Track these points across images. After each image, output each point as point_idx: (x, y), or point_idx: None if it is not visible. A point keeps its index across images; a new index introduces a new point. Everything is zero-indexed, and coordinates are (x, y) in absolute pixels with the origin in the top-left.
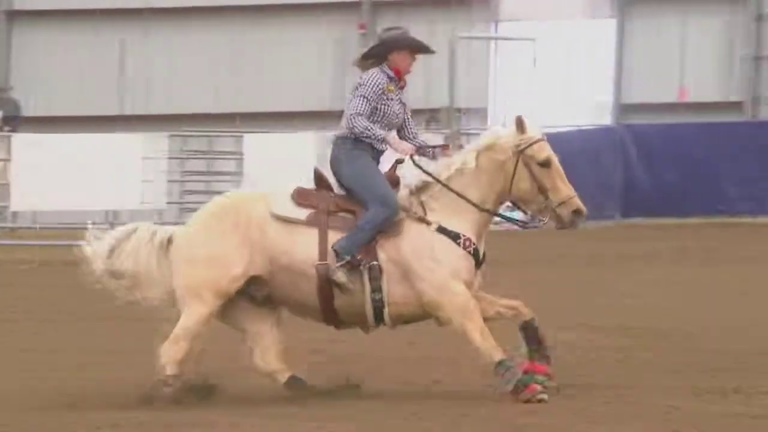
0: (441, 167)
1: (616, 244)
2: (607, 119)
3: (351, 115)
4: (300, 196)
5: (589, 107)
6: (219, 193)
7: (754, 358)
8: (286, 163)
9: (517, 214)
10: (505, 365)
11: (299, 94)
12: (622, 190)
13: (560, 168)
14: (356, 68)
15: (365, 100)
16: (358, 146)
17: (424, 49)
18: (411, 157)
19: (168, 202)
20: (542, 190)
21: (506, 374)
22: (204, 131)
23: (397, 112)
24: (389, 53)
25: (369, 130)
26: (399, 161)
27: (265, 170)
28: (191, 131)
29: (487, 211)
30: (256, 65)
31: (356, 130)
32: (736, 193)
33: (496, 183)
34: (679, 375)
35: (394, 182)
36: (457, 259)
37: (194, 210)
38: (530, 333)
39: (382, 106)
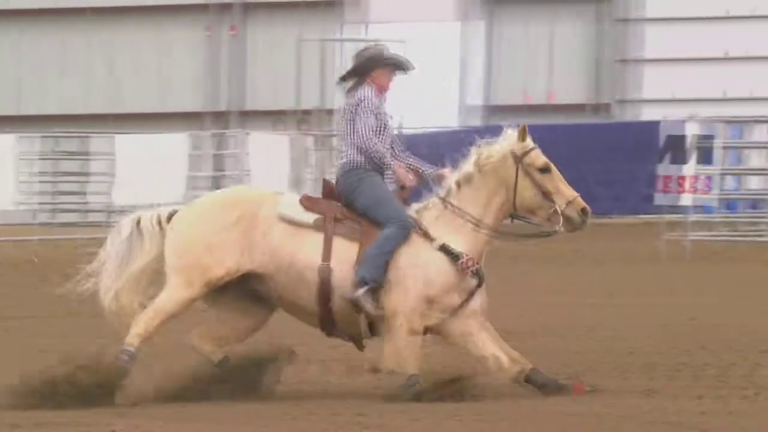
0: (442, 186)
1: None
2: (477, 121)
3: (367, 136)
4: (308, 201)
5: (459, 109)
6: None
7: (620, 357)
8: (158, 163)
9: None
10: (415, 380)
11: (172, 95)
12: None
13: (558, 172)
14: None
15: (374, 116)
16: (368, 171)
17: (405, 66)
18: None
19: (41, 203)
20: (547, 195)
21: (410, 388)
22: (76, 132)
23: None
24: (372, 71)
25: (384, 158)
26: (402, 188)
27: (138, 171)
28: (63, 132)
29: (487, 227)
30: (129, 66)
31: (373, 154)
32: (602, 194)
33: (498, 197)
34: None
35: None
36: (449, 280)
37: (68, 211)
38: (535, 383)
39: (382, 122)
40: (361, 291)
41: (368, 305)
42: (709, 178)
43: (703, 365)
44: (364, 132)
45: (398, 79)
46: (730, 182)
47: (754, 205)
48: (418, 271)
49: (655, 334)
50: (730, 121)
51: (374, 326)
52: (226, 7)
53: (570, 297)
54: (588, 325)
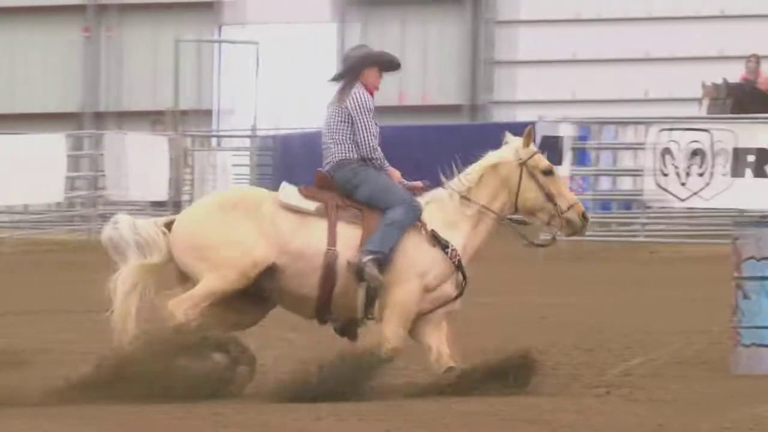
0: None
1: None
2: None
3: (370, 141)
4: (307, 191)
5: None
6: None
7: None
8: (36, 164)
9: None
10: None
11: (50, 95)
12: None
13: (560, 176)
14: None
15: (372, 120)
16: (363, 165)
17: (393, 64)
18: None
19: None
20: (550, 197)
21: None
22: None
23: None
24: (362, 71)
25: (384, 162)
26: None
27: (15, 171)
28: None
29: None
30: (6, 67)
31: (375, 159)
32: None
33: (499, 197)
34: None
35: None
36: (434, 264)
37: None
38: None
39: (377, 125)
40: (367, 258)
41: (373, 271)
42: (584, 178)
43: (555, 363)
44: (366, 137)
45: (277, 80)
46: (604, 183)
47: (628, 205)
48: (419, 258)
49: (509, 332)
50: (604, 122)
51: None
52: (103, 8)
53: None
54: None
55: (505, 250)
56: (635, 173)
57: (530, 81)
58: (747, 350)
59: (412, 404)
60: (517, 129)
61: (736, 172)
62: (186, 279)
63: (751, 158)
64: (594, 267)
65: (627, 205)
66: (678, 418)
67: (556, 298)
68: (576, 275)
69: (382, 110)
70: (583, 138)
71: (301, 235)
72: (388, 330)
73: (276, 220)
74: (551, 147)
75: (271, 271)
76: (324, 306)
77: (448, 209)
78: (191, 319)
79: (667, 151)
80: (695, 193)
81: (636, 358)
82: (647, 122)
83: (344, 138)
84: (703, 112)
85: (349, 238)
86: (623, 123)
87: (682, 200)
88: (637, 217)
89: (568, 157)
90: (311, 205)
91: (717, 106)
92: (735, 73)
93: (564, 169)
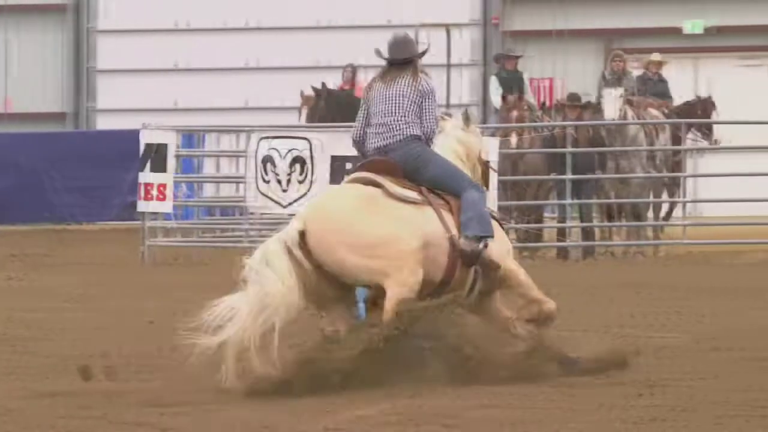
0: None
1: None
2: None
3: (435, 125)
4: (396, 181)
5: None
6: None
7: (81, 360)
8: None
9: None
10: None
11: None
12: None
13: None
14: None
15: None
16: (428, 145)
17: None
18: None
19: None
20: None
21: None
22: None
23: None
24: (417, 59)
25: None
26: None
27: None
28: None
29: None
30: None
31: (433, 143)
32: (66, 201)
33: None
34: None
35: None
36: (507, 241)
37: None
38: None
39: None
40: (482, 244)
41: (491, 256)
42: (188, 185)
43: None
44: (434, 119)
45: None
46: (208, 190)
47: (231, 211)
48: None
49: (115, 336)
50: (206, 131)
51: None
52: None
53: (44, 302)
54: (58, 329)
55: (115, 256)
56: (237, 180)
57: (133, 89)
58: None
59: None
60: (122, 137)
61: (335, 179)
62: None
63: (349, 165)
64: (199, 272)
65: (230, 211)
66: (287, 420)
67: (164, 303)
68: (182, 281)
69: None
70: (186, 146)
71: (425, 222)
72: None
73: (402, 210)
74: (155, 154)
75: None
76: (438, 292)
77: None
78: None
79: (268, 158)
80: (297, 200)
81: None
82: (248, 130)
83: (413, 116)
84: (303, 121)
85: (450, 223)
86: (225, 131)
87: (284, 207)
88: (241, 224)
89: (172, 164)
90: (414, 195)
91: (316, 114)
92: (332, 83)
93: (168, 177)
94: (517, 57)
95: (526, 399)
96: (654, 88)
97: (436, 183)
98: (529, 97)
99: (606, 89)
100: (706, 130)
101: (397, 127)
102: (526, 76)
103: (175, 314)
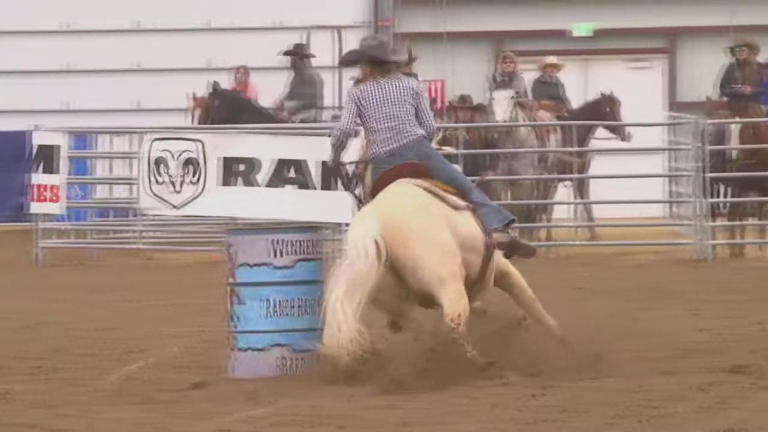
0: None
1: None
2: None
3: (433, 120)
4: (439, 186)
5: None
6: None
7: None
8: None
9: None
10: None
11: None
12: None
13: None
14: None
15: None
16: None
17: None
18: None
19: None
20: None
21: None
22: None
23: None
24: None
25: None
26: None
27: None
28: None
29: None
30: None
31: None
32: None
33: None
34: None
35: None
36: None
37: None
38: None
39: None
40: (514, 232)
41: (526, 243)
42: (81, 187)
43: (57, 368)
44: (432, 121)
45: None
46: (101, 191)
47: (125, 213)
48: None
49: (8, 337)
50: (98, 132)
51: None
52: None
53: None
54: None
55: (6, 258)
56: (130, 182)
57: (24, 91)
58: (243, 354)
59: None
60: (14, 138)
61: (227, 180)
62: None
63: (241, 167)
64: (93, 273)
65: (124, 212)
66: (178, 421)
67: (56, 305)
68: (76, 282)
69: None
70: (78, 147)
71: (468, 226)
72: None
73: (454, 218)
74: (47, 156)
75: None
76: (481, 285)
77: None
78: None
79: (160, 160)
80: (189, 201)
81: (137, 363)
82: (140, 132)
83: (413, 117)
84: (195, 122)
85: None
86: (117, 133)
87: (177, 208)
88: (134, 225)
89: (64, 166)
90: (455, 198)
91: (209, 115)
92: (223, 84)
93: (60, 179)
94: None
95: (421, 400)
96: (551, 90)
97: (448, 182)
98: None
99: (495, 91)
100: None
101: (406, 129)
102: (419, 78)
103: (69, 316)
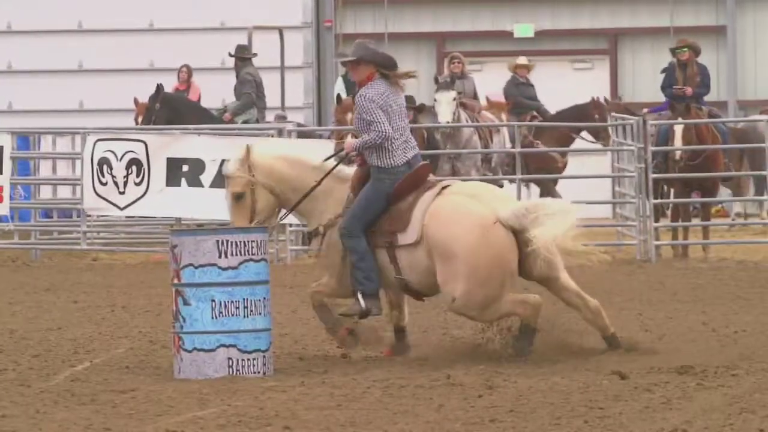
0: None
1: None
2: None
3: None
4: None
5: None
6: None
7: None
8: None
9: None
10: None
11: None
12: None
13: None
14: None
15: None
16: None
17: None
18: None
19: None
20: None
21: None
22: None
23: None
24: None
25: None
26: None
27: None
28: None
29: None
30: None
31: None
32: None
33: None
34: None
35: None
36: None
37: None
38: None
39: None
40: None
41: None
42: (25, 188)
43: (2, 369)
44: None
45: None
46: (45, 192)
47: (69, 213)
48: None
49: None
50: (42, 133)
51: None
52: None
53: None
54: None
55: None
56: (74, 183)
57: None
58: (190, 355)
59: None
60: None
61: (172, 181)
62: None
63: (185, 168)
64: (38, 274)
65: (68, 213)
66: (124, 422)
67: (0, 306)
68: (20, 282)
69: None
70: (22, 148)
71: None
72: None
73: None
74: None
75: None
76: None
77: None
78: None
79: (104, 160)
80: (134, 202)
81: (82, 364)
82: (83, 132)
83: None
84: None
85: None
86: (61, 133)
87: (121, 209)
88: (78, 225)
89: (7, 166)
90: None
91: (152, 116)
92: (167, 85)
93: (4, 179)
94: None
95: (367, 398)
96: (527, 91)
97: None
98: None
99: (439, 92)
100: (603, 132)
101: (413, 139)
102: None
103: (14, 317)
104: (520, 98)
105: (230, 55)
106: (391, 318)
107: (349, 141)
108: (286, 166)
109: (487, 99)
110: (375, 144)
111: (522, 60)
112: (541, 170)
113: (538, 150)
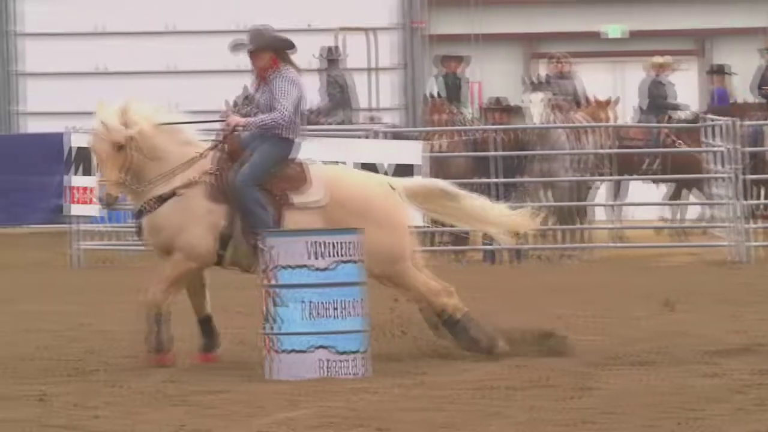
0: None
1: None
2: None
3: None
4: None
5: None
6: None
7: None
8: None
9: None
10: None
11: None
12: None
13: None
14: None
15: None
16: None
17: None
18: None
19: None
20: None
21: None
22: None
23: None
24: None
25: None
26: None
27: None
28: None
29: None
30: None
31: None
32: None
33: None
34: None
35: None
36: None
37: None
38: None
39: None
40: None
41: None
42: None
43: (93, 371)
44: None
45: None
46: None
47: None
48: None
49: (47, 339)
50: None
51: None
52: None
53: None
54: None
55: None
56: None
57: (58, 93)
58: (282, 356)
59: None
60: (50, 140)
61: None
62: None
63: None
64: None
65: None
66: (216, 423)
67: (94, 307)
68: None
69: None
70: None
71: None
72: None
73: None
74: (85, 158)
75: None
76: None
77: None
78: None
79: None
80: None
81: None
82: None
83: None
84: None
85: None
86: None
87: None
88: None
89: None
90: None
91: None
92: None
93: (95, 180)
94: (460, 58)
95: (459, 402)
96: (664, 90)
97: None
98: (466, 100)
99: (531, 93)
100: None
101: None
102: (466, 79)
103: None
104: (660, 99)
105: (315, 56)
106: (193, 306)
107: (235, 117)
108: (159, 133)
109: (594, 99)
110: (273, 126)
111: (659, 59)
112: (685, 171)
113: (626, 151)
